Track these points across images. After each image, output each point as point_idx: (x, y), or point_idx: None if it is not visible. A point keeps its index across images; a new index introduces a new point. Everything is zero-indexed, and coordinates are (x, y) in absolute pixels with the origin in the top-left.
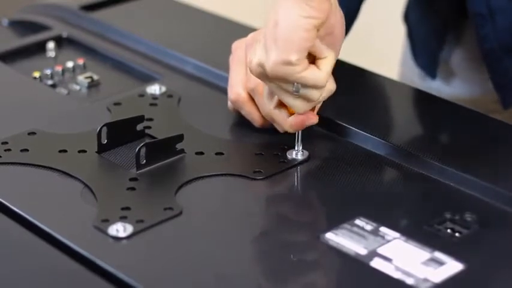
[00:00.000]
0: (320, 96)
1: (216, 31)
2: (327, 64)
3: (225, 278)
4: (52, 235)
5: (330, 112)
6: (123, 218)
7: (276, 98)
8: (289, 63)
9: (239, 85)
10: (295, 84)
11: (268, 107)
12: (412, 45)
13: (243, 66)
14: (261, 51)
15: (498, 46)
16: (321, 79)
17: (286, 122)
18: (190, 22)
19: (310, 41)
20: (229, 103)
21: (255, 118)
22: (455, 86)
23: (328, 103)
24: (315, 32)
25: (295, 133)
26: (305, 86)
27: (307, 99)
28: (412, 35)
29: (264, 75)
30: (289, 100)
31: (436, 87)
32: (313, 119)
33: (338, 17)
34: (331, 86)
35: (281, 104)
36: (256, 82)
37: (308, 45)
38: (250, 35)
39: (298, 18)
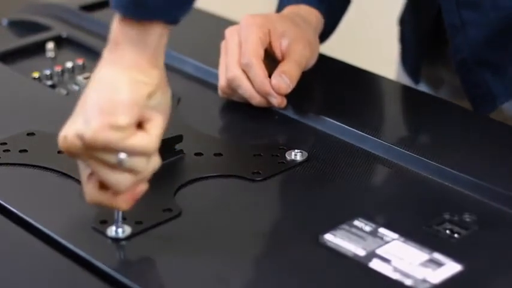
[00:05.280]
0: (147, 167)
1: (216, 31)
2: (156, 127)
3: (224, 278)
4: (51, 236)
5: (329, 112)
6: (122, 219)
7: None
8: (116, 127)
9: (235, 64)
10: (120, 154)
11: (261, 78)
12: (402, 50)
13: (237, 48)
14: (80, 122)
15: (469, 57)
16: (152, 144)
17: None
18: (190, 22)
19: (140, 104)
20: (220, 88)
21: (252, 94)
22: (441, 92)
23: (328, 104)
24: (145, 97)
25: (294, 134)
26: (132, 154)
27: (132, 171)
28: (402, 40)
29: (80, 149)
30: (112, 176)
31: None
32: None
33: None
34: (156, 161)
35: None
36: (249, 57)
37: (137, 109)
38: (245, 19)
39: (130, 81)
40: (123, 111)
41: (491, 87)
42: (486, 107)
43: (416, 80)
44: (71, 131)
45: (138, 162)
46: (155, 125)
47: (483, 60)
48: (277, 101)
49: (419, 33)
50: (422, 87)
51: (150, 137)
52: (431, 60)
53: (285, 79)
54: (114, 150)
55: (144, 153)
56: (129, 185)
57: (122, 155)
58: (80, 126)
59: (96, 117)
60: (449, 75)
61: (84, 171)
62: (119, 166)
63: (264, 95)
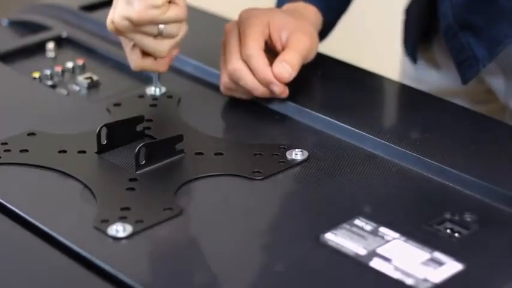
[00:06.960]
0: (179, 31)
1: (216, 31)
2: None
3: (224, 277)
4: (52, 235)
5: (330, 112)
6: (122, 218)
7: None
8: (155, 6)
9: (236, 56)
10: (160, 26)
11: (263, 67)
12: (404, 34)
13: (236, 41)
14: (121, 6)
15: (454, 21)
16: (183, 12)
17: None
18: (190, 22)
19: None
20: (222, 83)
21: (255, 85)
22: (446, 77)
23: (329, 103)
24: None
25: (294, 133)
26: (167, 23)
27: (169, 36)
28: (405, 27)
29: (128, 28)
30: (154, 44)
31: (432, 78)
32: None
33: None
34: (186, 27)
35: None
36: (250, 48)
37: None
38: (243, 12)
39: None
40: None
41: (474, 50)
42: (471, 70)
43: (414, 59)
44: (117, 14)
45: (173, 28)
46: None
47: (466, 24)
48: (279, 89)
49: (419, 17)
50: (421, 68)
51: (180, 8)
52: (428, 41)
53: (286, 67)
54: (155, 23)
55: (178, 21)
56: (167, 49)
57: (161, 26)
58: (124, 10)
59: (137, 0)
60: (444, 55)
61: (127, 45)
62: (159, 35)
63: (266, 84)
